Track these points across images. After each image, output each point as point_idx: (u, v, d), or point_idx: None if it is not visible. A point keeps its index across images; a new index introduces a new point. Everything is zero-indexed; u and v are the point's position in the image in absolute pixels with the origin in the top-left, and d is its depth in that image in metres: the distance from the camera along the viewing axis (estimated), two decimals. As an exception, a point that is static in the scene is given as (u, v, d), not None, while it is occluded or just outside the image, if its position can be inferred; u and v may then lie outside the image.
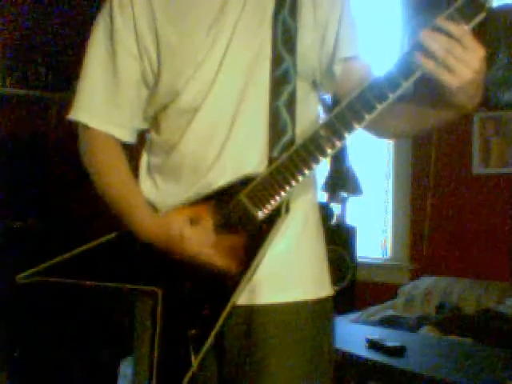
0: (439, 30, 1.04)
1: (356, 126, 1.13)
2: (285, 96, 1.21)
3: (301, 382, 1.24)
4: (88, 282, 1.27)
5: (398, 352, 2.16)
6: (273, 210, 1.17)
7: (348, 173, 3.57)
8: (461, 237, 3.45)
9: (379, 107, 1.11)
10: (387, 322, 2.95)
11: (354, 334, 2.50)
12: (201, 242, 1.16)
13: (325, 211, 3.53)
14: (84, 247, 1.27)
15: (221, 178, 1.20)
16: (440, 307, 3.11)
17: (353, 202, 3.78)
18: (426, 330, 2.75)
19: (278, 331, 1.23)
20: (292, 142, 1.20)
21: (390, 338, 2.34)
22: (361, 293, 3.59)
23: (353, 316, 3.22)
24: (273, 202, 1.17)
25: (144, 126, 1.34)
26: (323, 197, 3.63)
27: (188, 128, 1.23)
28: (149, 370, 1.21)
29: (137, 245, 1.23)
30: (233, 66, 1.21)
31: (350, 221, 3.76)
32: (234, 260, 1.16)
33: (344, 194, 3.65)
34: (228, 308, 1.16)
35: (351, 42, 1.28)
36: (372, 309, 3.28)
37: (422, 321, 2.88)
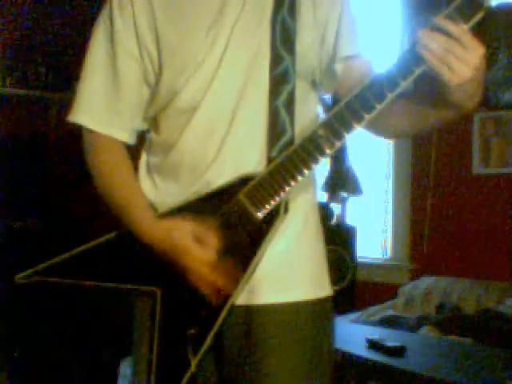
0: (438, 29, 1.04)
1: (355, 125, 1.13)
2: (284, 96, 1.21)
3: (301, 382, 1.24)
4: (87, 282, 1.27)
5: (398, 352, 2.16)
6: (272, 210, 1.17)
7: (348, 173, 3.57)
8: (461, 237, 3.45)
9: (378, 107, 1.11)
10: (387, 322, 2.95)
11: (354, 334, 2.50)
12: (201, 261, 1.16)
13: (325, 211, 3.53)
14: (83, 247, 1.27)
15: (220, 177, 1.20)
16: (440, 307, 3.11)
17: (353, 202, 3.78)
18: (426, 330, 2.75)
19: (277, 331, 1.23)
20: (291, 141, 1.20)
21: (390, 337, 2.34)
22: (361, 293, 3.59)
23: (353, 316, 3.22)
24: (272, 202, 1.17)
25: (144, 126, 1.34)
26: (323, 197, 3.63)
27: (187, 126, 1.23)
28: (148, 370, 1.21)
29: (136, 245, 1.23)
30: (232, 65, 1.21)
31: (350, 221, 3.76)
32: (218, 294, 1.16)
33: (344, 194, 3.65)
34: (227, 308, 1.16)
35: (351, 41, 1.28)
36: (372, 309, 3.28)
37: (421, 321, 2.88)
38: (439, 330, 2.72)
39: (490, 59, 3.27)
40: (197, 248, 1.16)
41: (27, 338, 3.44)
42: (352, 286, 3.56)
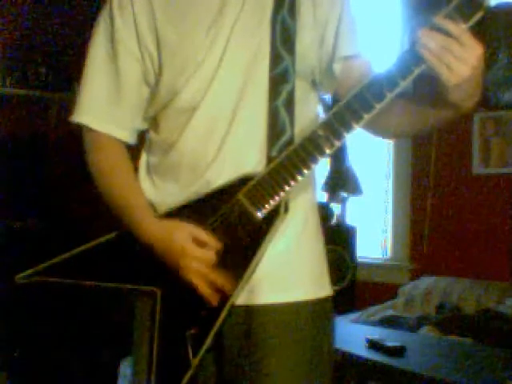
0: (437, 28, 1.04)
1: (355, 125, 1.13)
2: (284, 95, 1.21)
3: (301, 382, 1.24)
4: (87, 282, 1.27)
5: (398, 352, 2.16)
6: (272, 210, 1.17)
7: (348, 173, 3.57)
8: (461, 237, 3.45)
9: (377, 106, 1.11)
10: (387, 322, 2.95)
11: (354, 334, 2.50)
12: (200, 261, 1.16)
13: (325, 211, 3.53)
14: (83, 247, 1.27)
15: (219, 177, 1.20)
16: (440, 307, 3.11)
17: (353, 202, 3.78)
18: (426, 330, 2.75)
19: (277, 331, 1.23)
20: (291, 141, 1.20)
21: (390, 338, 2.34)
22: (361, 293, 3.59)
23: (353, 316, 3.21)
24: (272, 202, 1.17)
25: (144, 126, 1.34)
26: (323, 197, 3.63)
27: (187, 126, 1.24)
28: (148, 370, 1.21)
29: (136, 245, 1.23)
30: (232, 65, 1.21)
31: (350, 221, 3.76)
32: (218, 297, 1.16)
33: (344, 194, 3.65)
34: (227, 308, 1.16)
35: (351, 41, 1.28)
36: (372, 309, 3.28)
37: (421, 321, 2.88)
38: (439, 330, 2.72)
39: (490, 59, 3.27)
40: (195, 249, 1.17)
41: (27, 338, 3.44)
42: (352, 286, 3.56)
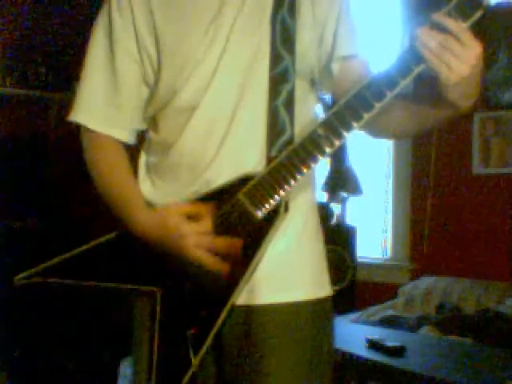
0: (437, 26, 1.05)
1: (355, 125, 1.13)
2: (283, 95, 1.21)
3: (301, 382, 1.24)
4: (87, 283, 1.27)
5: (398, 352, 2.16)
6: (272, 210, 1.17)
7: (348, 173, 3.57)
8: (461, 237, 3.45)
9: (377, 106, 1.11)
10: (387, 322, 2.95)
11: (354, 334, 2.50)
12: (198, 240, 1.15)
13: (325, 211, 3.53)
14: (83, 247, 1.27)
15: (219, 177, 1.20)
16: (440, 307, 3.11)
17: (353, 202, 3.78)
18: (426, 330, 2.75)
19: (277, 331, 1.23)
20: (291, 141, 1.20)
21: (390, 338, 2.34)
22: (361, 293, 3.59)
23: (353, 316, 3.21)
24: (272, 202, 1.17)
25: (143, 126, 1.34)
26: (323, 197, 3.63)
27: (186, 126, 1.23)
28: (148, 370, 1.21)
29: (136, 245, 1.23)
30: (231, 64, 1.21)
31: (350, 221, 3.76)
32: (228, 264, 1.15)
33: (344, 194, 3.65)
34: (227, 308, 1.16)
35: (349, 41, 1.28)
36: (372, 309, 3.28)
37: (421, 321, 2.88)
38: (439, 330, 2.72)
39: (490, 59, 3.27)
40: (191, 225, 1.15)
41: (27, 338, 3.44)
42: (352, 286, 3.56)
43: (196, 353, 1.16)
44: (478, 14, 1.05)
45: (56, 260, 1.26)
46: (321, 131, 1.14)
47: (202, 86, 1.21)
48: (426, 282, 3.37)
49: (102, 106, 1.28)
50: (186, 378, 1.16)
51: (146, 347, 1.22)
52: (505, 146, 3.36)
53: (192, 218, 1.17)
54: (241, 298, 1.19)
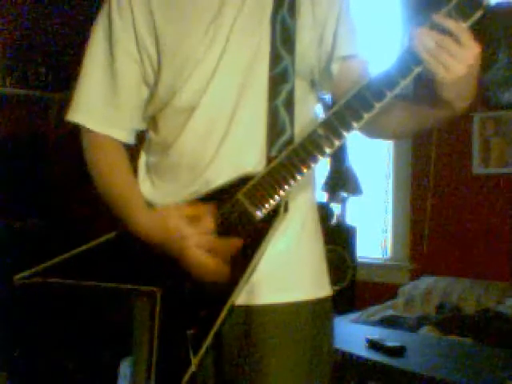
0: (437, 26, 1.05)
1: (355, 125, 1.13)
2: (283, 95, 1.21)
3: (300, 382, 1.24)
4: (87, 283, 1.27)
5: (398, 352, 2.16)
6: (271, 210, 1.17)
7: (348, 173, 3.57)
8: (461, 237, 3.45)
9: (377, 106, 1.11)
10: (387, 322, 2.95)
11: (354, 334, 2.50)
12: (199, 241, 1.15)
13: (325, 211, 3.53)
14: (83, 247, 1.27)
15: (219, 177, 1.20)
16: (440, 307, 3.11)
17: (353, 202, 3.78)
18: (426, 330, 2.75)
19: (277, 331, 1.23)
20: (291, 141, 1.20)
21: (390, 338, 2.34)
22: (361, 293, 3.59)
23: (353, 316, 3.21)
24: (271, 202, 1.17)
25: (143, 126, 1.34)
26: (323, 197, 3.63)
27: (186, 126, 1.23)
28: (148, 370, 1.21)
29: (135, 245, 1.23)
30: (231, 64, 1.21)
31: (350, 221, 3.76)
32: (228, 265, 1.15)
33: (344, 194, 3.65)
34: (226, 308, 1.16)
35: (349, 41, 1.28)
36: (372, 309, 3.28)
37: (422, 321, 2.88)
38: (439, 330, 2.72)
39: (490, 59, 3.27)
40: (192, 227, 1.15)
41: (27, 338, 3.44)
42: (352, 286, 3.56)
43: (196, 353, 1.16)
44: (478, 14, 1.05)
45: (56, 260, 1.26)
46: (321, 131, 1.14)
47: (202, 86, 1.21)
48: (426, 281, 3.37)
49: (100, 106, 1.28)
50: (186, 378, 1.16)
51: (145, 347, 1.22)
52: (505, 146, 3.36)
53: (192, 219, 1.17)
54: (241, 298, 1.19)
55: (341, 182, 3.58)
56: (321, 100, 1.36)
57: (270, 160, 1.19)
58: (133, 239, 1.23)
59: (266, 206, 1.17)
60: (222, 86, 1.21)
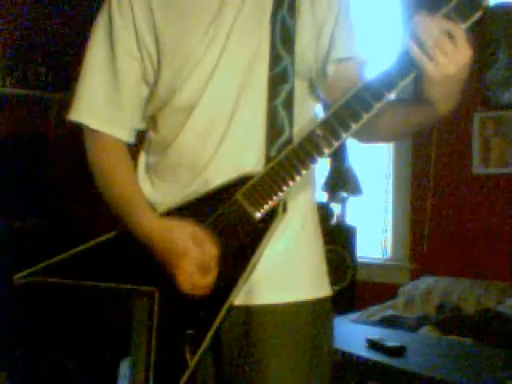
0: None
1: (354, 125, 1.13)
2: (283, 95, 1.21)
3: (300, 382, 1.24)
4: (85, 282, 1.27)
5: (398, 352, 2.16)
6: (270, 210, 1.17)
7: (348, 173, 3.57)
8: (461, 237, 3.45)
9: (377, 106, 1.11)
10: (387, 322, 2.95)
11: (354, 334, 2.50)
12: (196, 270, 1.16)
13: (325, 211, 3.53)
14: (82, 247, 1.27)
15: (218, 177, 1.20)
16: (440, 307, 3.11)
17: (353, 202, 3.78)
18: (426, 330, 2.75)
19: (277, 331, 1.23)
20: (290, 141, 1.20)
21: (390, 338, 2.34)
22: (361, 293, 3.59)
23: (353, 316, 3.21)
24: (270, 202, 1.17)
25: (142, 125, 1.34)
26: (323, 197, 3.63)
27: (185, 125, 1.23)
28: (146, 370, 1.21)
29: (135, 245, 1.23)
30: (230, 64, 1.21)
31: (350, 221, 3.76)
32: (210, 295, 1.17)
33: (344, 194, 3.65)
34: (225, 308, 1.16)
35: (346, 43, 1.27)
36: (372, 309, 3.27)
37: (422, 321, 2.88)
38: (439, 330, 2.72)
39: (490, 59, 3.27)
40: (197, 250, 1.16)
41: (27, 338, 3.44)
42: (352, 286, 3.56)
43: (194, 353, 1.17)
44: (477, 15, 1.05)
45: (56, 259, 1.26)
46: (319, 132, 1.14)
47: (202, 85, 1.21)
48: (425, 281, 3.37)
49: (102, 105, 1.28)
50: (185, 378, 1.16)
51: (144, 347, 1.22)
52: (505, 146, 3.36)
53: (199, 242, 1.17)
54: (241, 299, 1.19)
55: (341, 181, 3.58)
56: (321, 100, 1.35)
57: (269, 160, 1.19)
58: (132, 239, 1.23)
59: (265, 206, 1.17)
60: (222, 86, 1.21)
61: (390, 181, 3.80)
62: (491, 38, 3.26)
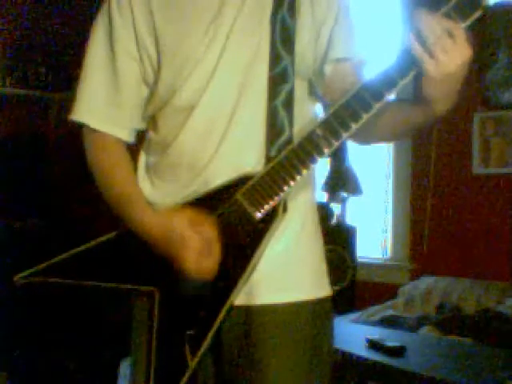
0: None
1: (354, 125, 1.13)
2: (283, 95, 1.21)
3: (300, 382, 1.24)
4: (86, 282, 1.27)
5: (398, 352, 2.16)
6: (270, 210, 1.17)
7: (348, 173, 3.57)
8: (461, 237, 3.45)
9: (376, 106, 1.11)
10: (387, 322, 2.94)
11: (354, 334, 2.50)
12: (200, 249, 1.15)
13: (325, 211, 3.53)
14: (82, 247, 1.27)
15: (217, 177, 1.20)
16: (440, 307, 3.11)
17: (353, 202, 3.78)
18: (426, 330, 2.75)
19: (277, 331, 1.23)
20: (290, 141, 1.20)
21: (390, 338, 2.34)
22: (361, 293, 3.59)
23: (353, 316, 3.21)
24: (270, 202, 1.17)
25: (142, 125, 1.34)
26: (323, 197, 3.63)
27: (185, 125, 1.24)
28: (146, 370, 1.21)
29: (135, 245, 1.23)
30: (230, 64, 1.21)
31: (350, 221, 3.76)
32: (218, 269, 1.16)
33: (344, 194, 3.65)
34: (225, 308, 1.16)
35: (345, 43, 1.27)
36: (372, 309, 3.27)
37: (422, 321, 2.88)
38: (439, 330, 2.72)
39: (490, 59, 3.27)
40: (195, 237, 1.15)
41: (27, 338, 3.44)
42: (352, 286, 3.56)
43: (194, 353, 1.17)
44: (477, 14, 1.05)
45: (56, 259, 1.26)
46: (319, 131, 1.14)
47: (202, 85, 1.21)
48: (426, 281, 3.37)
49: (103, 105, 1.29)
50: (185, 379, 1.16)
51: (144, 347, 1.22)
52: (505, 146, 3.36)
53: (197, 226, 1.17)
54: (241, 299, 1.19)
55: (341, 181, 3.57)
56: (321, 99, 1.35)
57: (269, 160, 1.19)
58: (133, 239, 1.23)
59: (265, 206, 1.17)
60: (222, 86, 1.21)
61: (390, 181, 3.80)
62: (491, 37, 3.26)
